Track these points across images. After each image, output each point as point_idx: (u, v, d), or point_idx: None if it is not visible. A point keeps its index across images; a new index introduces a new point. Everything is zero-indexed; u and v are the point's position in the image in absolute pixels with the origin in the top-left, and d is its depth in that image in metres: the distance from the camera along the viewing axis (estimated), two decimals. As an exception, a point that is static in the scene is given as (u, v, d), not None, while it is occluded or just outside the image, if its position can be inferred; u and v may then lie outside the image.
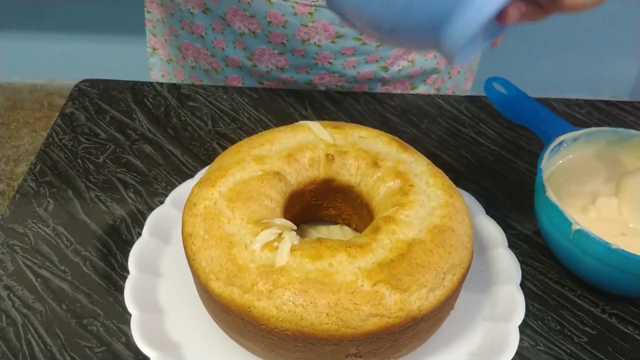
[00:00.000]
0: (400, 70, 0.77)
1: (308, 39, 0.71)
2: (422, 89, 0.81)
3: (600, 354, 0.50)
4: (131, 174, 0.63)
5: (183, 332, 0.48)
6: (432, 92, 0.81)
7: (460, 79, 0.86)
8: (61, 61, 1.92)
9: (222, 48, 0.75)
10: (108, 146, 0.66)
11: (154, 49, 0.86)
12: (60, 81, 1.98)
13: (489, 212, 0.59)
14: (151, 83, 0.74)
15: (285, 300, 0.41)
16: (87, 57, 1.88)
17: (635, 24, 1.61)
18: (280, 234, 0.45)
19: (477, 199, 0.60)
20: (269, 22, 0.70)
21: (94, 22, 1.81)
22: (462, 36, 0.38)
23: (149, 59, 0.87)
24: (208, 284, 0.44)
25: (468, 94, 0.89)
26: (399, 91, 0.79)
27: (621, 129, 0.59)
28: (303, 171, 0.52)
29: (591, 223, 0.53)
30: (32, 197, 0.60)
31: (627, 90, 1.80)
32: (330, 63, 0.74)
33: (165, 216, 0.56)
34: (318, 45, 0.72)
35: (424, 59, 0.77)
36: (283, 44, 0.72)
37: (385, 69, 0.76)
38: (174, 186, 0.61)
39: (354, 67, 0.74)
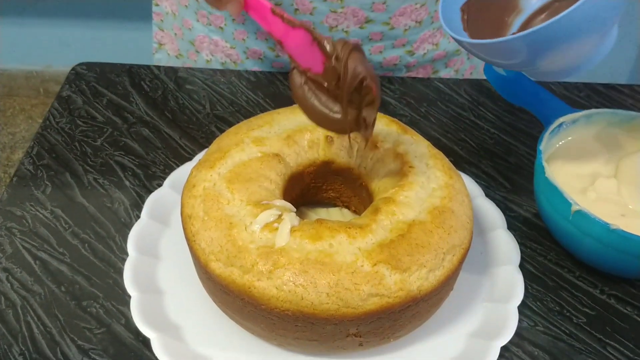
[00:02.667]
0: (425, 54, 0.76)
1: (336, 26, 0.70)
2: (443, 73, 0.80)
3: (599, 334, 0.50)
4: (129, 157, 0.62)
5: (183, 313, 0.48)
6: (452, 74, 0.81)
7: (478, 61, 0.85)
8: (57, 47, 1.91)
9: (243, 39, 0.74)
10: (105, 129, 0.65)
11: (161, 44, 0.84)
12: (56, 68, 1.97)
13: (488, 195, 0.59)
14: (148, 66, 0.74)
15: (286, 280, 0.41)
16: (83, 43, 1.87)
17: (634, 8, 1.60)
18: (280, 215, 0.44)
19: (476, 181, 0.60)
20: (296, 10, 0.69)
21: (90, 8, 1.80)
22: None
23: (154, 55, 0.85)
24: (208, 265, 0.44)
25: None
26: (420, 76, 0.79)
27: (621, 111, 0.58)
28: (302, 153, 0.51)
29: (590, 204, 0.53)
30: (29, 180, 0.59)
31: (626, 74, 1.79)
32: None
33: (164, 199, 0.56)
34: (346, 32, 0.71)
35: (447, 42, 0.77)
36: None
37: (411, 53, 0.75)
38: (172, 169, 0.60)
39: (381, 52, 0.74)
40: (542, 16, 0.52)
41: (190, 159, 0.61)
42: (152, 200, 0.55)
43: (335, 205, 0.57)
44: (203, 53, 0.78)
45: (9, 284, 0.51)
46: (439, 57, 0.78)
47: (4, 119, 1.91)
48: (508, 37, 0.48)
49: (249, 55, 0.75)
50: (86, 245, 0.54)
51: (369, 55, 0.74)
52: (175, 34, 0.80)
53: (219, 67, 0.78)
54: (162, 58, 0.84)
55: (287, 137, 0.51)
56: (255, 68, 0.76)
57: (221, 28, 0.74)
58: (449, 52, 0.78)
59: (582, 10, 0.42)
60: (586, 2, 0.42)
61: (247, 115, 0.68)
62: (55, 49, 1.92)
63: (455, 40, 0.49)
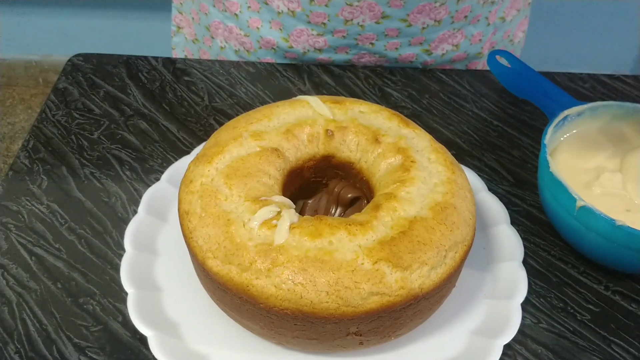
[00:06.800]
0: (443, 54, 0.74)
1: (351, 19, 0.69)
2: None
3: (604, 331, 0.49)
4: (126, 151, 0.61)
5: (180, 310, 0.48)
6: None
7: None
8: (56, 37, 1.89)
9: (257, 27, 0.72)
10: (102, 122, 0.64)
11: (179, 28, 0.82)
12: (55, 57, 1.95)
13: (491, 189, 0.58)
14: (145, 57, 0.73)
15: (285, 278, 0.40)
16: (83, 32, 1.85)
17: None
18: (279, 212, 0.44)
19: (479, 175, 0.59)
20: (311, 1, 0.67)
21: (88, -3, 1.78)
22: None
23: (172, 38, 0.84)
24: (205, 262, 0.43)
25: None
26: None
27: (627, 103, 0.57)
28: (302, 147, 0.50)
29: (595, 199, 0.52)
30: (25, 174, 0.58)
31: (629, 65, 1.78)
32: (372, 44, 0.72)
33: (162, 193, 0.55)
34: (361, 26, 0.69)
35: (469, 43, 0.75)
36: (324, 24, 0.69)
37: (429, 52, 0.73)
38: (170, 163, 0.59)
39: (396, 48, 0.72)
40: None
41: (188, 153, 0.60)
42: (149, 195, 0.54)
43: (335, 200, 0.56)
44: (218, 39, 0.77)
45: (4, 281, 0.50)
46: (459, 59, 0.76)
47: (3, 109, 1.90)
48: None
49: (262, 45, 0.74)
50: (82, 240, 0.53)
51: (384, 50, 0.73)
52: (193, 18, 0.79)
53: (233, 54, 0.77)
54: (180, 42, 0.83)
55: (286, 131, 0.50)
56: (268, 58, 0.75)
57: (236, 15, 0.72)
58: (470, 55, 0.76)
59: None
60: None
61: (247, 107, 0.67)
62: (54, 38, 1.90)
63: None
